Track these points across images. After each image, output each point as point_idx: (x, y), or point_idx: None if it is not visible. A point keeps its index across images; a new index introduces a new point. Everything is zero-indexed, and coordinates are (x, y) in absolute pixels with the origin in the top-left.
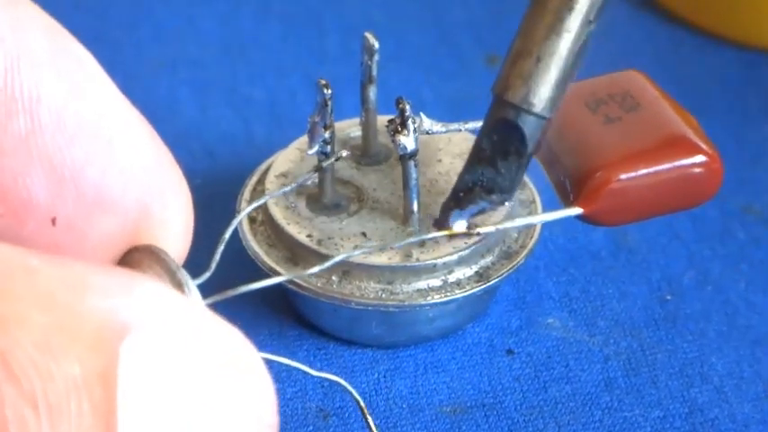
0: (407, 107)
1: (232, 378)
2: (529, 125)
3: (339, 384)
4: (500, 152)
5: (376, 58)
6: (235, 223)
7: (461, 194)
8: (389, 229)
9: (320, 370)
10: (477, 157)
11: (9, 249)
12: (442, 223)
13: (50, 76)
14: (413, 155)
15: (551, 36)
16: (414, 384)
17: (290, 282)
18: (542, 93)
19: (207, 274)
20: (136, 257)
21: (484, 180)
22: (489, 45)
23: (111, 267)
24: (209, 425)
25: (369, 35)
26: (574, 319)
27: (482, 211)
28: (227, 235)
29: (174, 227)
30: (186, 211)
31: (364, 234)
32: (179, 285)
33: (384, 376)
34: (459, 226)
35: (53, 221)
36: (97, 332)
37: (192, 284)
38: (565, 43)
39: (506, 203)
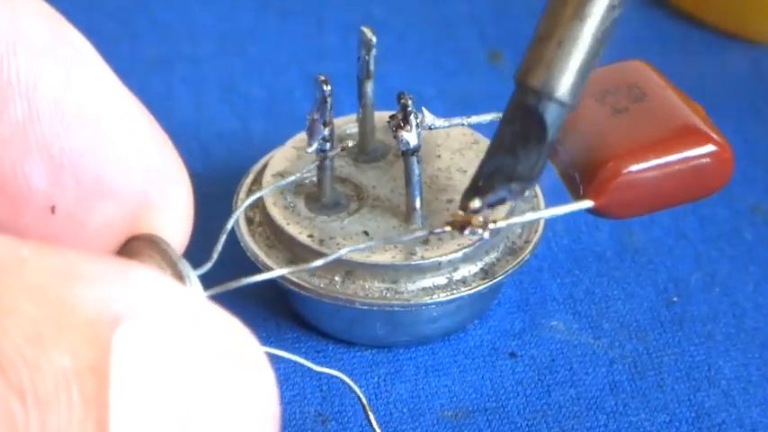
0: (409, 102)
1: (232, 368)
2: (550, 111)
3: (338, 388)
4: (521, 139)
5: (373, 52)
6: (237, 214)
7: (481, 183)
8: (392, 228)
9: (319, 373)
10: (497, 145)
11: (1, 239)
12: (464, 209)
13: (48, 63)
14: (415, 150)
15: (574, 21)
16: (414, 388)
17: (292, 282)
18: (564, 78)
19: (208, 265)
20: (136, 247)
21: (504, 168)
22: (492, 41)
23: (105, 256)
24: (209, 417)
25: (366, 29)
26: (578, 321)
27: (502, 201)
28: (230, 225)
29: (174, 215)
30: (186, 200)
31: (366, 233)
32: (179, 276)
33: (384, 379)
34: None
35: (52, 210)
36: (89, 322)
37: (193, 275)
38: (588, 28)
39: (526, 192)
